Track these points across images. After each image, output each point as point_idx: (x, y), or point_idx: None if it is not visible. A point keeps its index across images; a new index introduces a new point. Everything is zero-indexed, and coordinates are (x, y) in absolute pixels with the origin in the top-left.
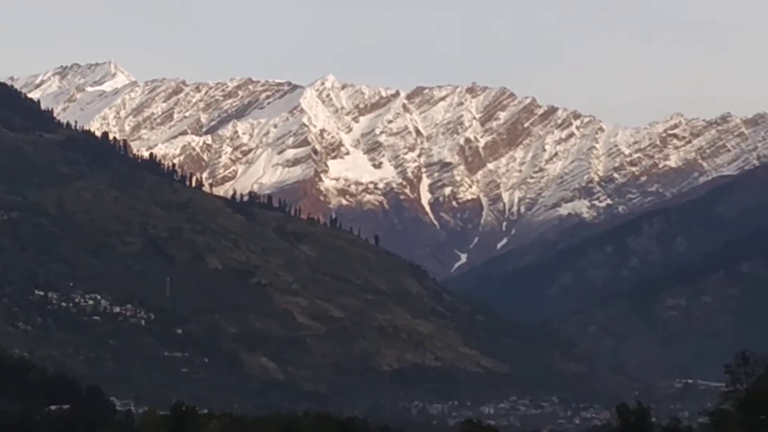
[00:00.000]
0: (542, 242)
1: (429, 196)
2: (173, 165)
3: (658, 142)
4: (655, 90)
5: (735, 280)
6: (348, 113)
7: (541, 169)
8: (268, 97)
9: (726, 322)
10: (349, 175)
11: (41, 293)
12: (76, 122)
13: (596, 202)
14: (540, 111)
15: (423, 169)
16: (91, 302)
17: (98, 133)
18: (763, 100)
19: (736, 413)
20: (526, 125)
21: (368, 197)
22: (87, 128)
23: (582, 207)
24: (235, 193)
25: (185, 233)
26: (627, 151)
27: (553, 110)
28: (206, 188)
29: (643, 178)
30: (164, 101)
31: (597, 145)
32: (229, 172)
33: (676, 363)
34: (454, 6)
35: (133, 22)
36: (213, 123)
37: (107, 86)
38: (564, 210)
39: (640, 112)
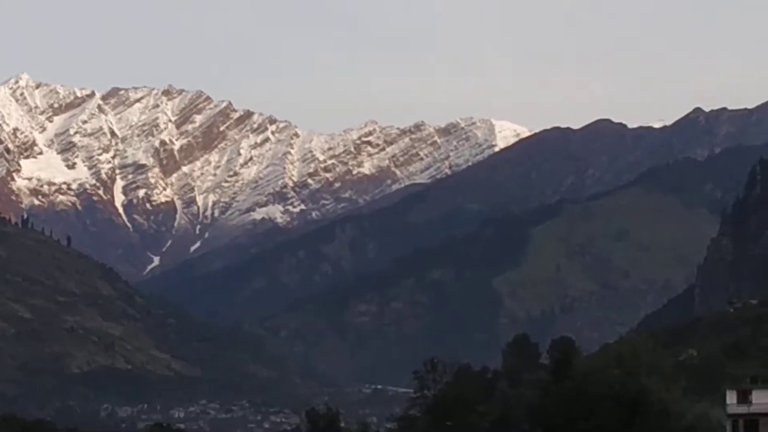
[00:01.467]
0: (235, 246)
1: (123, 197)
2: None
3: (352, 149)
4: (349, 96)
5: (425, 287)
6: (42, 112)
7: (236, 173)
8: None
9: (416, 328)
10: (42, 175)
11: None
12: None
13: (290, 207)
14: (236, 115)
15: (117, 171)
16: None
17: None
18: (456, 110)
19: (423, 419)
20: (221, 129)
21: (61, 198)
22: None
23: (276, 212)
24: None
25: None
26: (321, 157)
27: (248, 114)
28: None
29: (337, 185)
30: None
31: (292, 151)
32: None
33: (366, 368)
34: (146, 7)
35: None
36: None
37: None
38: (258, 214)
39: (335, 118)
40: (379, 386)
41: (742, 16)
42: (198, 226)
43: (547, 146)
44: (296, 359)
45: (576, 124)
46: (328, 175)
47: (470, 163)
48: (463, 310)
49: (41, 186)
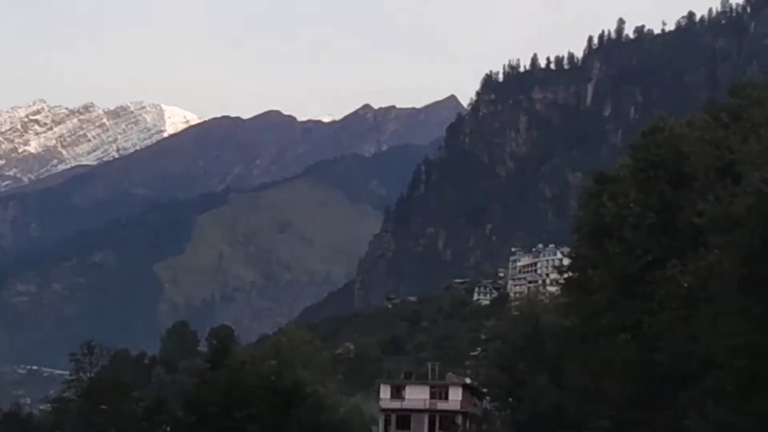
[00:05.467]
0: None
1: None
2: None
3: (19, 127)
4: (18, 73)
5: (86, 270)
6: None
7: None
8: None
9: (75, 310)
10: None
11: None
12: None
13: None
14: None
15: None
16: None
17: None
18: (126, 93)
19: (78, 402)
20: None
21: None
22: None
23: None
24: None
25: None
26: None
27: None
28: None
29: (2, 162)
30: None
31: None
32: None
33: (23, 349)
34: None
35: None
36: None
37: None
38: None
39: (2, 95)
40: (34, 367)
41: (413, 18)
42: None
43: (216, 134)
44: None
45: (246, 114)
46: None
47: (138, 148)
48: (123, 295)
49: None
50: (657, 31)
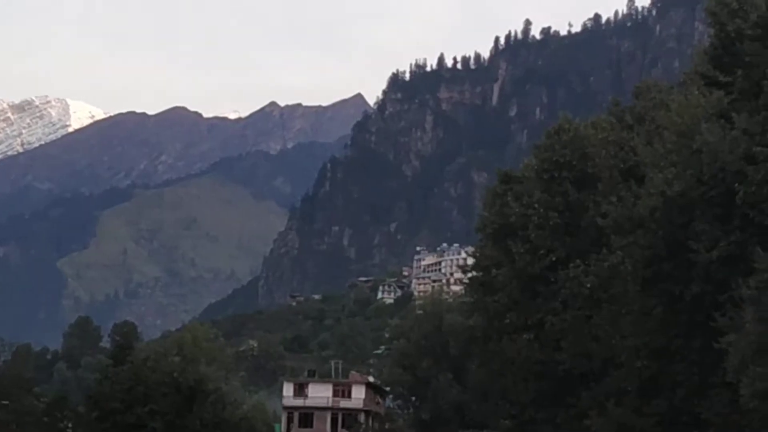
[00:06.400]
0: None
1: None
2: None
3: None
4: None
5: None
6: None
7: None
8: None
9: None
10: None
11: None
12: None
13: None
14: None
15: None
16: None
17: None
18: (32, 87)
19: None
20: None
21: None
22: None
23: None
24: None
25: None
26: None
27: None
28: None
29: None
30: None
31: None
32: None
33: None
34: None
35: None
36: None
37: None
38: None
39: None
40: None
41: (321, 15)
42: None
43: (121, 130)
44: None
45: (152, 110)
46: None
47: (43, 142)
48: (26, 290)
49: None
50: (563, 32)
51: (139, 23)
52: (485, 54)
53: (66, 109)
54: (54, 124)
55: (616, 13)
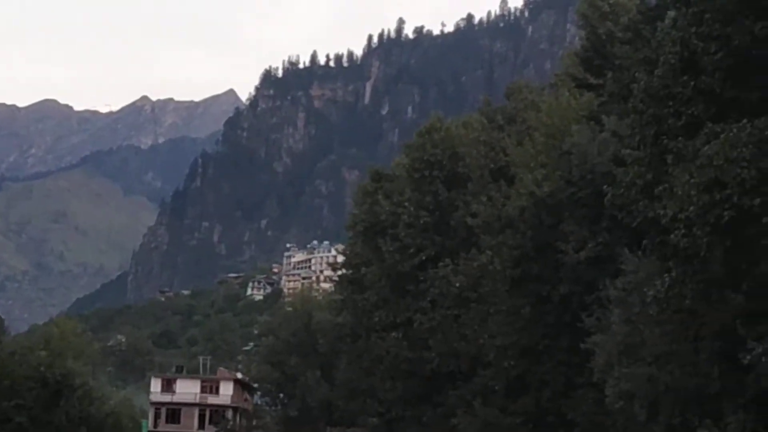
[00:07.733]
0: None
1: None
2: None
3: None
4: None
5: None
6: None
7: None
8: None
9: None
10: None
11: None
12: None
13: None
14: None
15: None
16: None
17: None
18: None
19: None
20: None
21: None
22: None
23: None
24: None
25: None
26: None
27: None
28: None
29: None
30: None
31: None
32: None
33: None
34: None
35: None
36: None
37: None
38: None
39: None
40: None
41: (194, 10)
42: None
43: None
44: None
45: (22, 102)
46: None
47: None
48: None
49: None
50: (436, 32)
51: (9, 14)
52: (358, 52)
53: None
54: None
55: (489, 13)
